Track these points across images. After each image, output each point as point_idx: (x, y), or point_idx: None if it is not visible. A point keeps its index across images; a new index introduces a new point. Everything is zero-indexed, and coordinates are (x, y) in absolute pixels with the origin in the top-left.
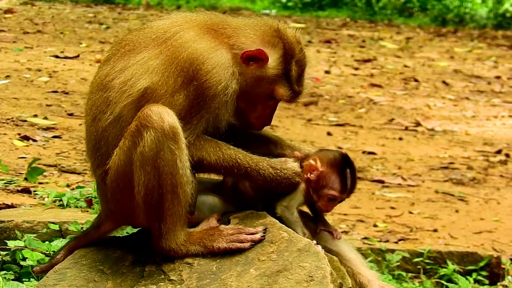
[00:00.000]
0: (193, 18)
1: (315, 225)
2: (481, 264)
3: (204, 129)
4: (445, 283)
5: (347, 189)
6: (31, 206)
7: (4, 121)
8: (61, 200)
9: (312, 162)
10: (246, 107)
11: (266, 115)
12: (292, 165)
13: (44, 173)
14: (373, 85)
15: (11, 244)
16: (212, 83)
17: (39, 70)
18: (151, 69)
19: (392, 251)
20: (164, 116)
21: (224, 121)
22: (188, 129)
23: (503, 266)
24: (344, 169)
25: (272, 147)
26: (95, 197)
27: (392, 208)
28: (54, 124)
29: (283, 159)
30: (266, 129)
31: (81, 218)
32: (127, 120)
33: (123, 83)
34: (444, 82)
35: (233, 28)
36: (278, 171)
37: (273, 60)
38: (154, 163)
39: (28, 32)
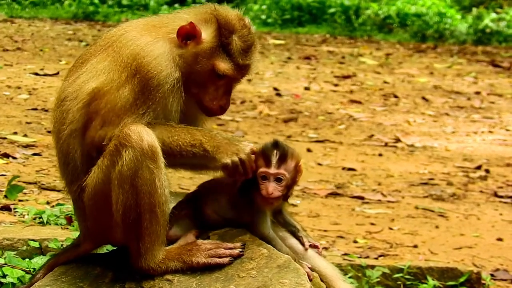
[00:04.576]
0: (139, 21)
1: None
2: (461, 279)
3: (152, 120)
4: None
5: (270, 162)
6: (11, 224)
7: None
8: (41, 217)
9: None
10: (198, 92)
11: (220, 96)
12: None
13: (24, 191)
14: (352, 101)
15: None
16: (154, 73)
17: (19, 88)
18: (99, 71)
19: (372, 267)
20: (143, 135)
21: (174, 112)
22: (134, 119)
23: (483, 282)
24: (266, 146)
25: None
26: (74, 215)
27: (372, 224)
28: (34, 141)
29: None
30: None
31: (61, 235)
32: (79, 125)
33: (75, 91)
34: (423, 98)
35: (171, 19)
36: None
37: (207, 34)
38: (133, 182)
39: (7, 50)
